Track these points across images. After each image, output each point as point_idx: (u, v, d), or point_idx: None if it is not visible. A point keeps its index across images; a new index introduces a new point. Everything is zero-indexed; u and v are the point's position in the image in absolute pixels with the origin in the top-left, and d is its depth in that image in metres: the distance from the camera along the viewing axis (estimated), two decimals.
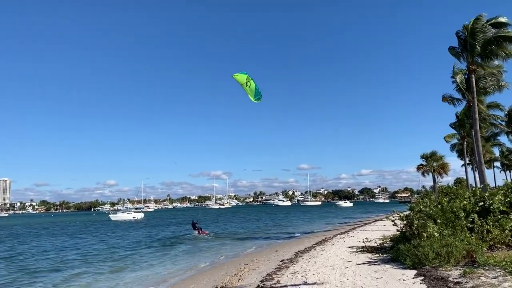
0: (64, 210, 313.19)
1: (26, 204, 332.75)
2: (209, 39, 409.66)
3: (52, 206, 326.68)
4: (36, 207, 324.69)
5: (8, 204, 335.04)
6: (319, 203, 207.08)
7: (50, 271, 19.56)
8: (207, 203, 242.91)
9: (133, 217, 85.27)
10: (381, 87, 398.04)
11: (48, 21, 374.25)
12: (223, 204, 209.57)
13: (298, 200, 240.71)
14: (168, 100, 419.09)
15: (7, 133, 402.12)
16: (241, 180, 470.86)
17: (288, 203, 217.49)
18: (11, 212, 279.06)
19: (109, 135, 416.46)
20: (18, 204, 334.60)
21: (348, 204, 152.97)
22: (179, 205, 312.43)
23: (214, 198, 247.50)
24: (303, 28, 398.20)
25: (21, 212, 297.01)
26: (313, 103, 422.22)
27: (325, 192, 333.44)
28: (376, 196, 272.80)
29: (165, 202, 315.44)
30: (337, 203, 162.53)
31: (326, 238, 25.66)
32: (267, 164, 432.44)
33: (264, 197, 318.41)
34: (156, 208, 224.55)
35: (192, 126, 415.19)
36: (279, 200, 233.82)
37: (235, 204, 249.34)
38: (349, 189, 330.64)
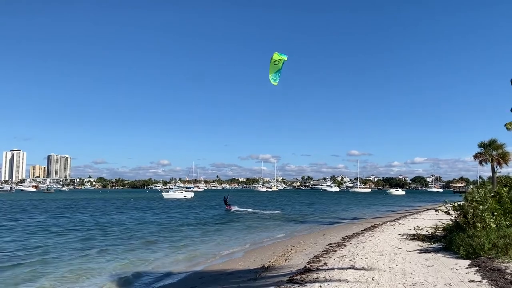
0: (120, 187, 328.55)
1: (85, 180, 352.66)
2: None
3: (108, 182, 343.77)
4: (94, 183, 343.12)
5: (68, 180, 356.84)
6: (369, 190, 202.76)
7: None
8: (255, 185, 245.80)
9: (184, 196, 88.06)
10: (436, 71, 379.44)
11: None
12: (270, 187, 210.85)
13: (347, 187, 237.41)
14: (219, 83, 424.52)
15: (69, 112, 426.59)
16: (289, 164, 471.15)
17: (337, 189, 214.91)
18: (71, 187, 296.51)
19: (164, 116, 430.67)
20: (78, 180, 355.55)
21: (400, 192, 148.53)
22: (227, 186, 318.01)
23: (262, 181, 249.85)
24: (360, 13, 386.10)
25: (80, 187, 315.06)
26: (366, 90, 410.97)
27: (376, 179, 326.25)
28: (429, 185, 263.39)
29: (214, 183, 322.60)
30: (388, 191, 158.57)
31: (375, 224, 25.25)
32: (316, 149, 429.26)
33: (311, 182, 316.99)
34: (205, 188, 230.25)
35: (242, 108, 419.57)
36: (327, 186, 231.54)
37: (282, 188, 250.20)
38: (400, 177, 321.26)
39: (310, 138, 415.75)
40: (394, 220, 27.71)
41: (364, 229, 22.92)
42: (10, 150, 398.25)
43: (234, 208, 46.35)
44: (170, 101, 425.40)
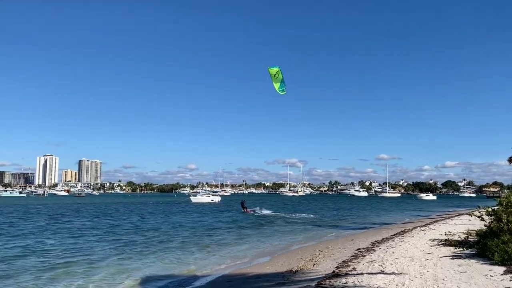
0: (148, 191, 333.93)
1: (115, 184, 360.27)
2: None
3: (137, 187, 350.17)
4: (123, 187, 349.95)
5: (99, 184, 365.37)
6: (398, 195, 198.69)
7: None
8: (281, 190, 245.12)
9: (211, 200, 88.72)
10: (466, 73, 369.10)
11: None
12: (297, 192, 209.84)
13: (375, 191, 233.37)
14: (245, 89, 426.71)
15: (100, 118, 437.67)
16: (316, 168, 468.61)
17: (365, 193, 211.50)
18: (101, 191, 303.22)
19: (192, 121, 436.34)
20: (108, 184, 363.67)
21: (430, 197, 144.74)
22: (254, 190, 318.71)
23: (288, 185, 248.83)
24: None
25: (110, 191, 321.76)
26: (394, 93, 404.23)
27: (405, 184, 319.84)
28: (461, 190, 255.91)
29: (240, 187, 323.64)
30: (418, 196, 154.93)
31: (405, 230, 24.77)
32: (344, 153, 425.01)
33: (339, 187, 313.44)
34: (232, 192, 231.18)
35: (268, 113, 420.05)
36: (355, 190, 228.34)
37: (309, 193, 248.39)
38: (431, 181, 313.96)
39: (338, 142, 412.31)
40: (424, 225, 27.12)
41: (394, 234, 22.52)
42: (43, 155, 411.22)
43: (251, 211, 49.90)
44: (198, 106, 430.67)
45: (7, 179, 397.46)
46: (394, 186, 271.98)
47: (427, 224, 28.23)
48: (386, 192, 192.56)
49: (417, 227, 26.29)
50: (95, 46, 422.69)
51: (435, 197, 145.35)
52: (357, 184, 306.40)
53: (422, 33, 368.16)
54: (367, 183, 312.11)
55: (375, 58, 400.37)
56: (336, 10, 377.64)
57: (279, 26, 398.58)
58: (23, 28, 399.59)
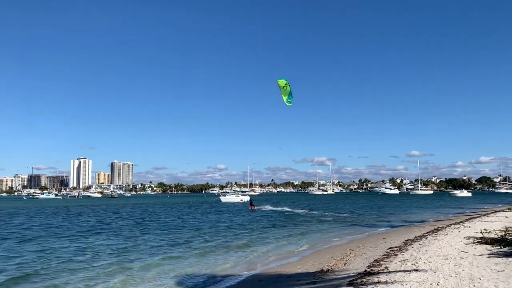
0: (179, 192, 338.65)
1: (146, 185, 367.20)
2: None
3: (168, 187, 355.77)
4: (154, 188, 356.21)
5: (131, 185, 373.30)
6: (431, 192, 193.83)
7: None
8: (310, 188, 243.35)
9: (241, 200, 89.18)
10: (500, 64, 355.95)
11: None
12: (326, 191, 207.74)
13: (407, 189, 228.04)
14: (272, 89, 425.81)
15: (131, 122, 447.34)
16: (346, 166, 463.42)
17: (396, 191, 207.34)
18: (133, 192, 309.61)
19: (220, 121, 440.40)
20: (139, 185, 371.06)
21: (465, 193, 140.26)
22: (282, 190, 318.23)
23: (317, 184, 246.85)
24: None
25: (141, 192, 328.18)
26: (426, 87, 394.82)
27: (438, 180, 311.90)
28: (497, 186, 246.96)
29: (269, 187, 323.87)
30: (452, 193, 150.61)
31: (438, 227, 24.20)
32: (374, 150, 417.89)
33: (369, 185, 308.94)
34: (261, 192, 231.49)
35: (296, 111, 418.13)
36: (386, 188, 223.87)
37: (338, 191, 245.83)
38: (465, 177, 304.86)
39: (368, 139, 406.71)
40: (459, 223, 26.41)
41: (427, 232, 22.06)
42: (77, 159, 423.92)
43: (257, 208, 56.28)
44: (226, 107, 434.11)
45: (43, 182, 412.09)
46: (426, 183, 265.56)
47: (461, 222, 27.49)
48: (418, 190, 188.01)
49: (451, 225, 25.64)
50: (125, 52, 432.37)
51: (469, 194, 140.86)
52: (388, 181, 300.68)
53: (453, 29, 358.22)
54: (398, 181, 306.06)
55: (405, 53, 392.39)
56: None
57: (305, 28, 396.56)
58: (56, 36, 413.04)
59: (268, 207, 58.70)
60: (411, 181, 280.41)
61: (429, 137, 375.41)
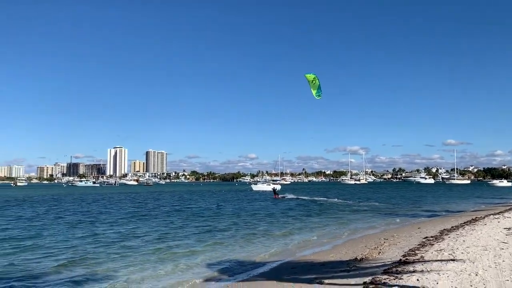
0: (211, 180, 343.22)
1: (180, 173, 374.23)
2: None
3: (200, 176, 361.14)
4: (188, 176, 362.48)
5: (165, 174, 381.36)
6: (468, 181, 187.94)
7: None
8: (342, 178, 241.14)
9: (272, 188, 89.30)
10: None
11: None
12: (358, 180, 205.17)
13: (442, 178, 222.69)
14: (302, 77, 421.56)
15: (165, 112, 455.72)
16: (379, 156, 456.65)
17: (431, 180, 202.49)
18: (167, 180, 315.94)
19: (252, 110, 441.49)
20: (173, 173, 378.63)
21: (504, 183, 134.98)
22: (314, 179, 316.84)
23: (349, 173, 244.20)
24: None
25: (175, 181, 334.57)
26: (463, 72, 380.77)
27: (475, 170, 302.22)
28: None
29: (300, 176, 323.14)
30: (491, 182, 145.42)
31: (476, 218, 23.57)
32: (409, 139, 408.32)
33: (404, 174, 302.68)
34: (292, 181, 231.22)
35: (328, 99, 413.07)
36: (421, 177, 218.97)
37: (371, 180, 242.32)
38: (504, 167, 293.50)
39: (402, 127, 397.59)
40: (498, 213, 25.63)
41: (464, 222, 21.54)
42: (114, 148, 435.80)
43: (281, 196, 57.77)
44: (257, 97, 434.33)
45: (81, 170, 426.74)
46: (463, 173, 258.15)
47: (501, 212, 26.66)
48: (454, 179, 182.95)
49: (489, 215, 24.90)
50: (160, 45, 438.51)
51: (509, 184, 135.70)
52: (423, 171, 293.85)
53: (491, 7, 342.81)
54: (433, 170, 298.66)
55: (442, 37, 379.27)
56: None
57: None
58: (90, 22, 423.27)
59: (291, 195, 60.83)
60: (447, 171, 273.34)
61: (467, 125, 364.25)
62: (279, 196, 58.41)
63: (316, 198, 55.10)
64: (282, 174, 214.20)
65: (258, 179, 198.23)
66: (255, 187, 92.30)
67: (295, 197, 58.19)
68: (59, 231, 21.44)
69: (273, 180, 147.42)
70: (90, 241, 18.25)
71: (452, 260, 10.34)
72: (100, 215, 31.81)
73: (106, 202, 49.41)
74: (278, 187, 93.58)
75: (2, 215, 31.30)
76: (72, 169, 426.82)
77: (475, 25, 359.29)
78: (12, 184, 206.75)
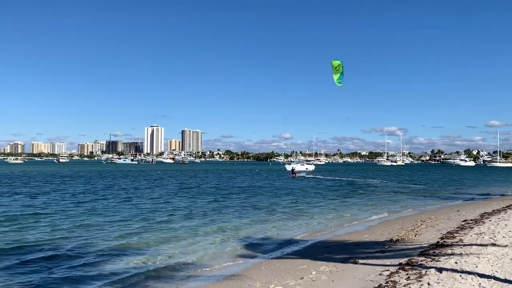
0: (245, 160, 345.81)
1: (214, 153, 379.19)
2: None
3: (235, 155, 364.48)
4: (222, 155, 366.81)
5: (200, 152, 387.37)
6: (511, 165, 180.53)
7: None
8: (378, 159, 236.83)
9: (306, 168, 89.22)
10: None
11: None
12: (395, 161, 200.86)
13: (484, 161, 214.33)
14: (339, 52, 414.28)
15: (201, 92, 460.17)
16: (418, 137, 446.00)
17: (472, 163, 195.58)
18: (202, 159, 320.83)
19: (285, 91, 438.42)
20: (208, 152, 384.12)
21: None
22: (349, 160, 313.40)
23: (386, 154, 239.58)
24: None
25: (210, 159, 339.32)
26: (505, 46, 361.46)
27: None
28: None
29: (335, 156, 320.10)
30: None
31: None
32: (449, 120, 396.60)
33: (442, 156, 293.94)
34: (326, 161, 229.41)
35: (363, 79, 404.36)
36: (461, 160, 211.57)
37: (408, 162, 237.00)
38: None
39: (442, 107, 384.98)
40: None
41: (506, 206, 20.81)
42: (151, 126, 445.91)
43: (299, 175, 61.08)
44: (291, 76, 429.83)
45: (120, 148, 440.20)
46: (506, 156, 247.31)
47: None
48: (496, 162, 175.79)
49: None
50: (198, 21, 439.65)
51: None
52: (463, 153, 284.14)
53: None
54: (474, 152, 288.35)
55: (483, 14, 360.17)
56: None
57: None
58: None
59: (309, 176, 63.36)
60: (489, 153, 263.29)
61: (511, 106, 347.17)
62: (297, 175, 60.60)
63: (349, 179, 54.80)
64: (316, 154, 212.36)
65: (292, 159, 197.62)
66: (289, 167, 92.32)
67: (312, 176, 61.11)
68: (112, 206, 22.55)
69: (307, 161, 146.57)
70: (143, 217, 18.78)
71: (493, 244, 10.02)
72: (145, 190, 33.56)
73: (149, 179, 51.34)
74: (312, 167, 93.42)
75: (68, 191, 32.03)
76: (111, 146, 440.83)
77: None
78: (55, 161, 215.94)
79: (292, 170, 64.73)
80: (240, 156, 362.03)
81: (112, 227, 15.79)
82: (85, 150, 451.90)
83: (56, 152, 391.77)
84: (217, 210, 21.15)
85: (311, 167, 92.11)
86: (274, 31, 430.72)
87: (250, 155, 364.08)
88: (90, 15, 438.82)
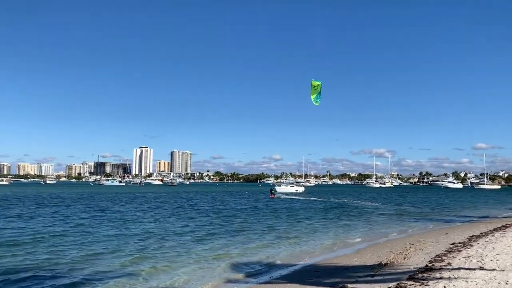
0: (234, 181, 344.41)
1: (204, 174, 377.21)
2: None
3: (224, 176, 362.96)
4: (211, 177, 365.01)
5: (189, 174, 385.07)
6: (498, 187, 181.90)
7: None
8: (367, 181, 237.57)
9: (295, 190, 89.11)
10: None
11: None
12: (384, 183, 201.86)
13: (471, 183, 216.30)
14: (328, 78, 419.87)
15: (190, 112, 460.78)
16: (406, 159, 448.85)
17: (459, 185, 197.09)
18: (191, 180, 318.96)
19: (276, 112, 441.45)
20: (197, 174, 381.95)
21: None
22: (338, 181, 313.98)
23: (374, 176, 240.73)
24: None
25: (199, 181, 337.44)
26: (493, 73, 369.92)
27: (506, 175, 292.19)
28: None
29: (324, 178, 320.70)
30: None
31: (506, 224, 22.84)
32: (437, 142, 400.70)
33: (431, 178, 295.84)
34: (316, 183, 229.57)
35: (353, 102, 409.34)
36: (449, 182, 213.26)
37: (397, 184, 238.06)
38: None
39: (430, 130, 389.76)
40: None
41: (494, 228, 20.91)
42: (139, 147, 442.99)
43: (276, 196, 62.03)
44: (283, 97, 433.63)
45: (108, 169, 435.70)
46: (493, 178, 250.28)
47: None
48: (483, 184, 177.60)
49: None
50: (185, 48, 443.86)
51: None
52: (451, 175, 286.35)
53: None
54: (462, 174, 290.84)
55: (472, 40, 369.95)
56: None
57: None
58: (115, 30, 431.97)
59: (288, 196, 65.39)
60: (476, 175, 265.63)
61: (498, 129, 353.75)
62: (275, 196, 62.54)
63: (338, 200, 54.84)
64: (306, 176, 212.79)
65: (281, 181, 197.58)
66: (278, 189, 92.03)
67: (292, 197, 62.22)
68: (114, 227, 22.68)
69: (297, 182, 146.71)
70: (149, 236, 19.16)
71: (481, 268, 10.03)
72: (140, 213, 33.08)
73: (142, 201, 50.75)
74: (302, 189, 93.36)
75: (59, 212, 31.99)
76: (99, 168, 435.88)
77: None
78: (42, 182, 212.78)
79: (271, 191, 66.33)
80: (229, 178, 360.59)
81: (103, 250, 15.52)
82: (73, 172, 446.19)
83: (43, 174, 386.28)
84: (205, 233, 20.88)
85: (301, 189, 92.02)
86: (263, 52, 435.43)
87: (240, 176, 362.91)
88: (76, 36, 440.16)
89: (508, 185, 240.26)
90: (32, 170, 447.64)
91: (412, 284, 8.74)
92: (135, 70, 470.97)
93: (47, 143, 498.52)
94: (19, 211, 32.96)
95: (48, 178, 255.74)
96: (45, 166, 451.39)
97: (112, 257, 14.31)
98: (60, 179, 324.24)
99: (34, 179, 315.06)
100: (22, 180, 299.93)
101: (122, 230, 21.86)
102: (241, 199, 60.70)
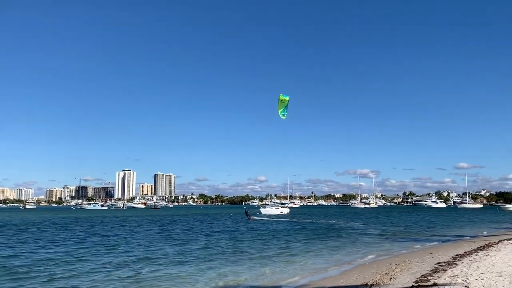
0: (219, 203, 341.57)
1: (188, 196, 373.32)
2: None
3: (209, 199, 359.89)
4: (196, 199, 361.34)
5: (173, 197, 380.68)
6: (480, 206, 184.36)
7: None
8: (352, 201, 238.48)
9: (280, 212, 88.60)
10: None
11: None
12: (368, 204, 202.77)
13: (454, 202, 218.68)
14: (313, 100, 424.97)
15: (174, 134, 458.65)
16: (390, 179, 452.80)
17: (443, 205, 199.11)
18: (175, 203, 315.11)
19: (260, 134, 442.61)
20: (181, 196, 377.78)
21: None
22: (323, 202, 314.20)
23: (359, 197, 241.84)
24: None
25: (183, 203, 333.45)
26: (476, 93, 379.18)
27: (487, 194, 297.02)
28: None
29: (309, 199, 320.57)
30: (503, 207, 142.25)
31: (489, 243, 23.05)
32: (420, 162, 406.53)
33: (414, 198, 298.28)
34: (301, 204, 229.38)
35: (337, 123, 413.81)
36: (432, 202, 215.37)
37: (381, 204, 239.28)
38: None
39: (413, 151, 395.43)
40: None
41: (478, 247, 21.07)
42: (122, 170, 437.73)
43: (253, 218, 63.72)
44: (266, 119, 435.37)
45: (90, 193, 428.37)
46: (475, 197, 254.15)
47: None
48: (466, 203, 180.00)
49: (503, 240, 24.37)
50: (170, 69, 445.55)
51: None
52: (434, 195, 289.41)
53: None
54: (445, 194, 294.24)
55: (455, 59, 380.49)
56: None
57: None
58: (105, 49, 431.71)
59: (265, 218, 66.26)
60: (458, 195, 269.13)
61: (479, 148, 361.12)
62: (252, 217, 64.03)
63: (324, 221, 54.74)
64: (291, 197, 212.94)
65: (267, 202, 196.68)
66: (263, 211, 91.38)
67: (267, 219, 62.30)
68: (104, 253, 22.44)
69: (282, 203, 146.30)
70: (138, 260, 18.81)
71: (466, 287, 10.05)
72: (127, 238, 32.20)
73: (127, 226, 49.49)
74: (287, 210, 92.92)
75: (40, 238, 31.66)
76: (81, 192, 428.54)
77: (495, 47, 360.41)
78: (21, 207, 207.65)
79: (246, 212, 68.26)
80: (214, 200, 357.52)
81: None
82: (54, 196, 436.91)
83: (23, 198, 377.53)
84: (192, 257, 20.62)
85: (286, 211, 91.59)
86: (246, 76, 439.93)
87: (225, 198, 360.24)
88: (62, 57, 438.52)
89: (489, 204, 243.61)
90: (11, 194, 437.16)
91: None
92: (116, 93, 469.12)
93: (27, 167, 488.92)
94: None
95: (28, 202, 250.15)
96: (25, 191, 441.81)
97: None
98: (40, 204, 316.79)
99: (13, 204, 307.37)
100: (1, 205, 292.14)
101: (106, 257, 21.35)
102: (226, 222, 60.06)
